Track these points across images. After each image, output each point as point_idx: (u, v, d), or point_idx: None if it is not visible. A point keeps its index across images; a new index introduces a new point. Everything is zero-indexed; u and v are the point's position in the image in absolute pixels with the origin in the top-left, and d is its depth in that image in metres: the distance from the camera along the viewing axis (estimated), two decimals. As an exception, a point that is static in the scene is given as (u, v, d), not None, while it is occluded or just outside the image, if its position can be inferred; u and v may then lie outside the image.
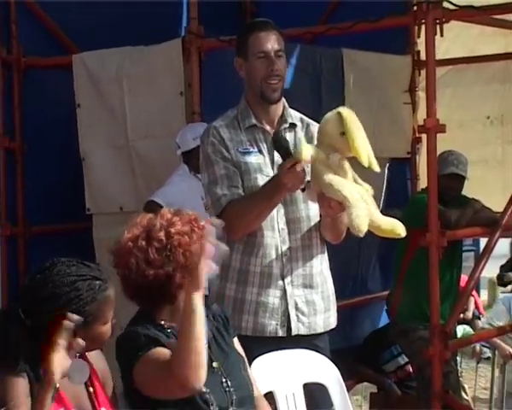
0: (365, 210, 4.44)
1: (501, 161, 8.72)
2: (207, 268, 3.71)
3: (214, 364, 4.06)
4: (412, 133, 8.88)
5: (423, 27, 7.23)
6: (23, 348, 3.57)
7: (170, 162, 7.29)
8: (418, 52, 8.75)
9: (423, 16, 7.19)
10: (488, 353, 10.22)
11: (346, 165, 4.55)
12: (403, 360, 8.33)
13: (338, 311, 5.16)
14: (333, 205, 4.52)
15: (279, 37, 5.01)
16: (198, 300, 3.68)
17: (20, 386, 3.56)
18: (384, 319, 8.97)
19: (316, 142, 4.72)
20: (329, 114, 4.59)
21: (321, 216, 4.98)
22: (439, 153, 7.21)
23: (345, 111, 4.50)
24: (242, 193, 4.91)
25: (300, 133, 5.09)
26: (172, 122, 7.58)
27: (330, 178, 4.46)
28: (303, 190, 4.62)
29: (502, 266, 14.23)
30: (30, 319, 3.57)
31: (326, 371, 4.91)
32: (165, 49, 7.85)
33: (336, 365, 4.96)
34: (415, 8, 7.44)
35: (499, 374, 9.68)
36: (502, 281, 14.31)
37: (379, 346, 8.52)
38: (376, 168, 4.50)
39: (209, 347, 3.98)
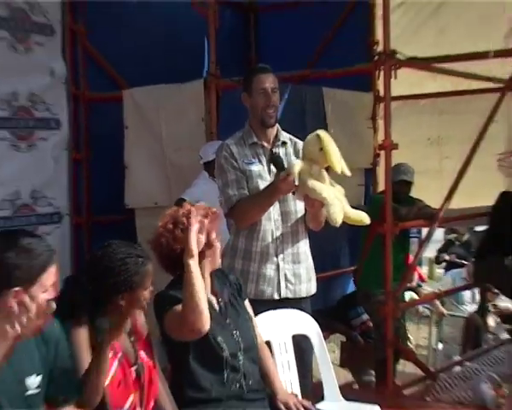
0: (339, 206, 4.50)
1: (438, 171, 8.75)
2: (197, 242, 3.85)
3: (227, 320, 4.12)
4: (374, 150, 8.89)
5: (382, 72, 7.15)
6: (85, 307, 3.61)
7: (194, 169, 7.16)
8: (378, 90, 8.68)
9: (382, 64, 7.11)
10: (427, 312, 10.17)
11: (324, 173, 4.61)
12: (365, 317, 8.28)
13: (317, 281, 5.12)
14: (315, 204, 4.59)
15: (274, 78, 5.02)
16: (193, 265, 3.77)
17: (82, 335, 3.58)
18: (351, 287, 8.94)
19: (301, 156, 4.76)
20: (310, 136, 4.63)
21: (306, 210, 4.95)
22: (392, 165, 7.18)
23: (322, 133, 4.56)
24: (247, 193, 4.90)
25: (290, 149, 5.11)
26: (196, 140, 7.48)
27: (313, 183, 4.53)
28: (293, 193, 4.67)
29: (438, 250, 14.25)
30: (91, 284, 3.60)
31: (308, 326, 4.90)
32: (191, 87, 7.76)
33: (316, 321, 4.91)
34: (375, 58, 7.58)
35: (435, 328, 9.67)
36: (438, 260, 14.37)
37: (347, 307, 8.51)
38: (347, 173, 4.51)
39: (225, 307, 4.16)
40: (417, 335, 9.96)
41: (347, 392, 5.00)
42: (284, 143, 5.10)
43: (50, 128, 8.10)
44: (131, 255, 3.74)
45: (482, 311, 9.25)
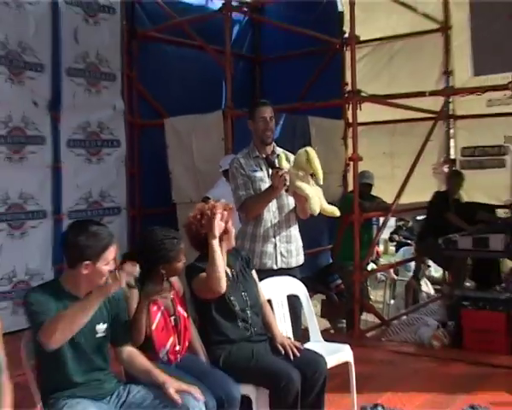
0: (318, 201, 4.56)
1: (391, 177, 8.72)
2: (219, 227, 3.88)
3: (238, 284, 4.09)
4: (345, 161, 8.85)
5: (351, 105, 7.22)
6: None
7: (215, 176, 7.02)
8: (348, 118, 8.55)
9: (351, 100, 7.20)
10: (383, 278, 10.17)
11: (309, 177, 4.60)
12: (339, 281, 8.28)
13: (304, 255, 5.10)
14: (301, 199, 4.64)
15: (271, 109, 4.94)
16: (215, 244, 3.81)
17: (135, 295, 3.59)
18: (329, 260, 8.96)
19: (292, 164, 4.72)
20: (301, 150, 4.65)
21: (295, 204, 4.95)
22: (359, 172, 7.25)
23: (309, 149, 4.61)
24: (253, 193, 4.85)
25: (283, 158, 4.89)
26: (218, 154, 7.39)
27: (300, 184, 4.56)
28: (286, 190, 4.63)
29: (390, 233, 14.25)
30: (140, 258, 3.56)
31: (298, 288, 4.83)
32: (214, 116, 7.76)
33: (304, 284, 4.91)
34: (346, 95, 7.56)
35: (389, 289, 9.72)
36: (391, 239, 14.38)
37: (326, 274, 8.51)
38: (321, 182, 4.62)
39: (237, 276, 4.12)
40: (376, 294, 9.95)
41: (326, 336, 4.98)
42: (278, 155, 4.91)
43: (113, 147, 8.22)
44: (168, 237, 3.74)
45: (417, 277, 9.24)
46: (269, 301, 4.41)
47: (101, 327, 3.35)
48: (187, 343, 3.83)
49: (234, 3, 8.41)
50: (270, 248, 4.88)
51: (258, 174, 4.90)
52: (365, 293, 8.03)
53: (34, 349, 3.24)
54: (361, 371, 4.79)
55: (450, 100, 8.89)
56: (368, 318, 8.18)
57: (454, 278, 8.21)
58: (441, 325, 6.70)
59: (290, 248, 4.97)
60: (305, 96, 8.96)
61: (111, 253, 3.24)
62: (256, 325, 4.07)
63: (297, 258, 5.02)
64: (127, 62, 8.37)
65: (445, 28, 9.11)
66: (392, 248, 14.38)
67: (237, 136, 7.43)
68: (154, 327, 3.63)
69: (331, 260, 8.74)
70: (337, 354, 4.49)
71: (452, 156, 9.37)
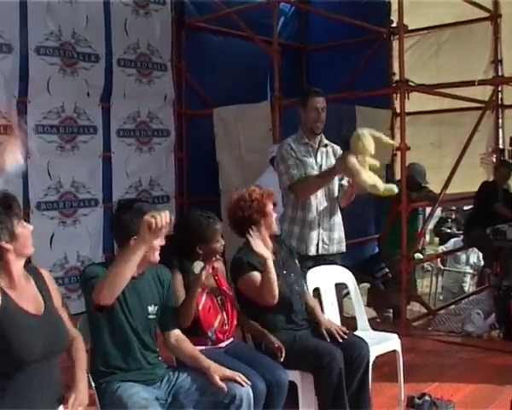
0: (371, 179, 4.59)
1: (438, 167, 8.57)
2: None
3: (284, 271, 4.06)
4: (392, 151, 8.74)
5: (399, 95, 7.16)
6: (176, 256, 3.70)
7: (263, 166, 6.98)
8: (395, 108, 8.60)
9: (399, 89, 7.11)
10: (429, 268, 10.09)
11: (367, 160, 4.57)
12: (386, 270, 8.14)
13: (352, 244, 5.11)
14: (354, 184, 4.75)
15: (324, 100, 4.95)
16: (270, 264, 3.76)
17: (177, 277, 3.65)
18: (375, 249, 8.86)
19: (338, 156, 4.82)
20: (354, 134, 4.60)
21: (339, 191, 5.02)
22: (407, 163, 7.15)
23: (360, 132, 4.58)
24: (303, 174, 4.86)
25: (329, 150, 5.06)
26: (264, 144, 7.33)
27: (357, 168, 4.56)
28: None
29: (434, 225, 13.98)
30: (179, 239, 3.71)
31: (347, 276, 4.81)
32: (262, 106, 7.76)
33: (352, 272, 4.88)
34: (394, 84, 7.68)
35: (435, 279, 9.60)
36: (435, 234, 14.15)
37: (373, 263, 8.38)
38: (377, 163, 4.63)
39: (282, 263, 4.10)
40: (422, 284, 9.86)
41: (372, 325, 4.94)
42: (326, 145, 5.06)
43: (163, 136, 8.21)
44: (203, 217, 3.75)
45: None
46: (317, 289, 4.41)
47: (153, 309, 3.37)
48: (235, 322, 3.82)
49: (281, -7, 8.31)
50: (314, 234, 4.91)
51: (308, 160, 4.92)
52: (412, 283, 7.96)
53: (91, 331, 3.27)
54: (408, 361, 4.77)
55: (499, 89, 8.75)
56: (414, 307, 8.13)
57: (502, 268, 8.04)
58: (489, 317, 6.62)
59: (333, 236, 5.00)
60: (351, 86, 8.82)
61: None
62: (300, 312, 4.05)
63: (338, 245, 5.05)
64: (176, 53, 8.37)
65: (494, 17, 8.93)
66: (436, 239, 14.20)
67: (285, 126, 7.33)
68: (200, 308, 3.64)
69: (377, 250, 8.66)
70: (385, 343, 4.47)
71: (501, 146, 9.24)
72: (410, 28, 7.95)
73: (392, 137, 8.48)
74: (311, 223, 4.90)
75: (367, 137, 4.51)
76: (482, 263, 10.03)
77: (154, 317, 3.37)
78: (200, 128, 8.35)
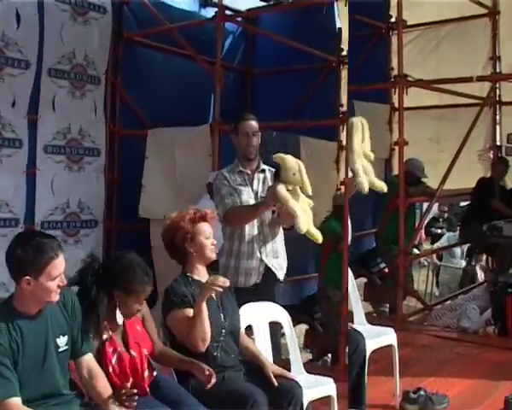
0: (306, 220, 4.24)
1: (436, 162, 8.43)
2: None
3: (220, 308, 3.73)
4: (390, 145, 8.68)
5: (397, 90, 7.14)
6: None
7: (199, 194, 6.51)
8: (393, 103, 8.49)
9: (397, 84, 7.12)
10: (426, 263, 10.07)
11: (298, 190, 4.27)
12: (383, 265, 8.13)
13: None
14: (288, 216, 4.29)
15: (255, 124, 4.61)
16: (204, 308, 3.47)
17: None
18: (373, 244, 8.66)
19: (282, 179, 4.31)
20: (289, 162, 4.25)
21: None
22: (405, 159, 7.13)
23: (299, 161, 4.30)
24: (239, 203, 4.54)
25: (267, 175, 4.66)
26: (202, 170, 6.93)
27: (287, 199, 4.22)
28: (273, 212, 4.43)
29: (425, 225, 13.39)
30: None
31: (281, 315, 4.29)
32: (201, 130, 7.27)
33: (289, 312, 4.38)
34: (392, 79, 7.60)
35: (432, 274, 9.59)
36: (427, 233, 13.69)
37: (370, 257, 8.37)
38: (310, 193, 4.29)
39: (221, 302, 3.76)
40: (418, 279, 9.83)
41: (369, 319, 4.91)
42: (263, 171, 4.68)
43: (93, 155, 7.52)
44: (134, 266, 3.35)
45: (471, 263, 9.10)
46: (249, 326, 4.12)
47: (63, 340, 3.08)
48: (147, 388, 3.40)
49: (228, 12, 7.89)
50: (254, 263, 4.57)
51: (242, 188, 4.62)
52: (409, 278, 7.93)
53: None
54: (404, 356, 4.80)
55: (497, 86, 8.70)
56: (410, 302, 8.12)
57: (498, 264, 8.07)
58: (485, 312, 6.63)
59: (277, 262, 4.65)
60: (297, 114, 8.38)
61: (55, 268, 2.91)
62: (233, 352, 3.75)
63: (281, 272, 4.69)
64: (112, 67, 7.63)
65: (493, 13, 8.84)
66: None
67: (226, 153, 6.55)
68: (110, 370, 3.28)
69: (374, 244, 8.61)
70: (381, 337, 4.47)
71: (498, 143, 9.18)
72: (408, 24, 7.91)
73: (391, 132, 8.63)
74: (249, 253, 4.56)
75: (288, 160, 4.24)
76: (464, 261, 10.01)
77: (65, 348, 3.08)
78: (133, 149, 7.67)
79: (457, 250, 9.97)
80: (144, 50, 8.03)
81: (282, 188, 4.19)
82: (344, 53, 8.23)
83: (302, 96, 8.51)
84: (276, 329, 4.32)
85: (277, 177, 4.32)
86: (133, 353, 3.35)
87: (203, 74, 7.57)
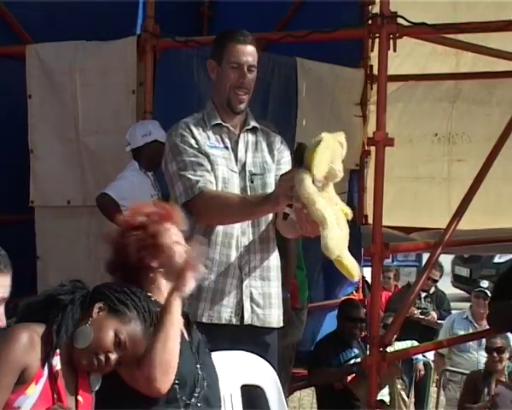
0: (339, 240, 2.94)
1: (446, 179, 6.22)
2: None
3: (194, 355, 2.73)
4: (362, 146, 6.30)
5: (377, 42, 4.96)
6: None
7: (120, 158, 4.99)
8: (371, 66, 6.10)
9: (377, 30, 4.90)
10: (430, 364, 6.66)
11: (332, 190, 3.00)
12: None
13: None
14: (312, 225, 2.93)
15: (255, 52, 3.34)
16: (178, 307, 2.65)
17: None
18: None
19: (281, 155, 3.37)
20: (314, 140, 2.89)
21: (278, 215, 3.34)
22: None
23: (325, 137, 2.90)
24: (213, 180, 3.22)
25: (260, 138, 3.41)
26: (123, 119, 5.16)
27: (315, 200, 2.90)
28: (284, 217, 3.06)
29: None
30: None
31: (264, 374, 3.21)
32: (120, 45, 5.35)
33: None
34: (369, 21, 5.13)
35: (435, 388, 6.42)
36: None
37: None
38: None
39: (195, 343, 2.82)
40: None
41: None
42: (254, 130, 3.40)
43: None
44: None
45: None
46: None
47: None
48: None
49: None
50: (230, 285, 3.27)
51: (220, 153, 3.32)
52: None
53: None
54: None
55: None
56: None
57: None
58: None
59: (269, 290, 3.32)
60: (289, 22, 6.31)
61: None
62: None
63: (279, 311, 3.38)
64: None
65: None
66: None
67: (163, 86, 5.16)
68: None
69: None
70: None
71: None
72: None
73: (364, 121, 6.32)
74: (223, 264, 3.26)
75: (325, 139, 2.93)
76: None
77: None
78: (5, 83, 5.69)
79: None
80: None
81: (307, 179, 2.96)
82: None
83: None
84: (258, 394, 3.31)
85: (298, 161, 3.28)
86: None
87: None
